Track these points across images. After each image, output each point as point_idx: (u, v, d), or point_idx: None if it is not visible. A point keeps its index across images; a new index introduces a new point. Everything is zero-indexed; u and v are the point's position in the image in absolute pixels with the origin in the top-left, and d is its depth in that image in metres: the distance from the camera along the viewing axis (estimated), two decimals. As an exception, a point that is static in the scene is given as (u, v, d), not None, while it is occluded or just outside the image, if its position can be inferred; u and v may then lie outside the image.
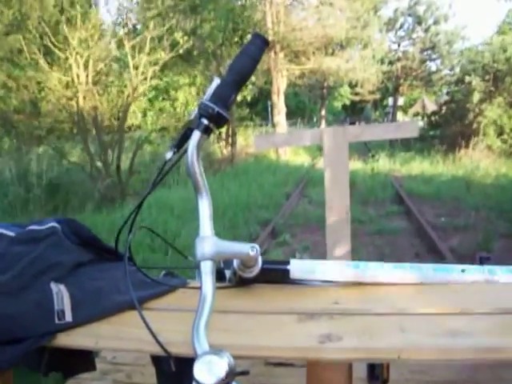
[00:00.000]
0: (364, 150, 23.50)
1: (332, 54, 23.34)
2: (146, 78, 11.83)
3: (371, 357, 0.83)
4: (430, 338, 0.81)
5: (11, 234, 1.07)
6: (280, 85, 20.27)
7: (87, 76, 10.87)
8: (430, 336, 0.82)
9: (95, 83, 11.48)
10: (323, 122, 36.38)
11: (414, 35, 30.91)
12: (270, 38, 18.30)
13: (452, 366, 1.94)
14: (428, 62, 31.30)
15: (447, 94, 25.53)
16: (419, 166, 15.36)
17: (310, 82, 27.16)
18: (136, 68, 11.53)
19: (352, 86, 49.09)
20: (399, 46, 31.40)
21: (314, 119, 42.39)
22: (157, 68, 12.74)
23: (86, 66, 10.90)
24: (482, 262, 1.24)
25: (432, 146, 20.36)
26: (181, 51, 14.63)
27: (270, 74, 19.83)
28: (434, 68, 31.55)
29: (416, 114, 29.23)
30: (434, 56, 30.46)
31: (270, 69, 19.56)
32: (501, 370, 1.89)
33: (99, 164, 10.76)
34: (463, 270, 1.07)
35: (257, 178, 12.20)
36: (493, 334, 0.82)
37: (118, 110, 12.09)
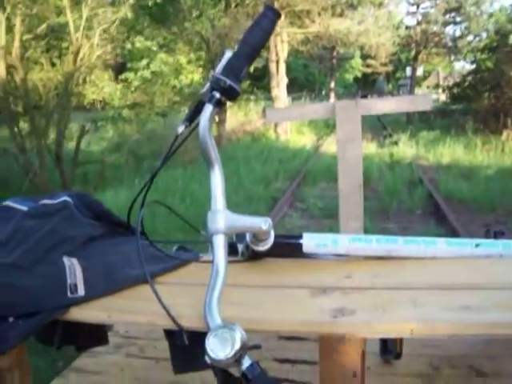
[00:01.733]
0: (378, 127, 21.25)
1: (341, 14, 19.88)
2: (92, 42, 9.33)
3: (384, 332, 0.83)
4: (443, 313, 0.80)
5: (24, 208, 1.07)
6: (280, 52, 17.55)
7: (20, 40, 8.51)
8: (443, 311, 0.81)
9: (27, 48, 9.36)
10: (332, 96, 33.62)
11: (436, -6, 25.76)
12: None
13: (465, 340, 1.94)
14: (452, 26, 27.06)
15: (472, 62, 22.32)
16: (450, 151, 11.82)
17: (316, 49, 24.00)
18: (78, 28, 8.95)
19: (364, 57, 48.65)
20: (418, 7, 26.81)
21: (324, 92, 40.07)
22: (109, 27, 10.34)
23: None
24: (497, 236, 1.23)
25: (458, 124, 17.28)
26: (149, 5, 12.68)
27: None
28: (458, 33, 26.80)
29: (435, 86, 27.08)
30: (458, 19, 25.94)
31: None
32: None
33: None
34: (477, 245, 1.06)
35: (241, 168, 9.48)
36: (506, 309, 0.81)
37: (60, 84, 9.35)
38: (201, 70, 21.28)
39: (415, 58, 26.18)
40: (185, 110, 17.60)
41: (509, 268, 1.02)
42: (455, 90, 21.09)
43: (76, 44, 8.84)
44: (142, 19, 14.51)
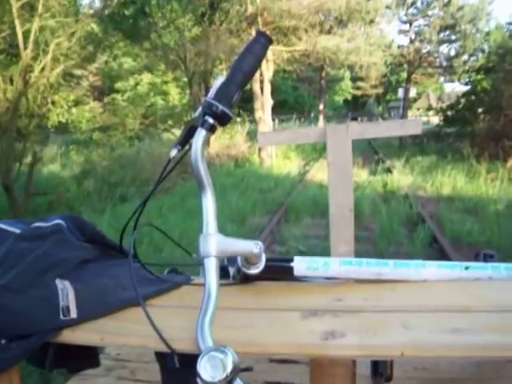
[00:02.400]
0: (369, 152, 20.40)
1: (329, 31, 18.65)
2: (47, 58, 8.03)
3: (374, 354, 0.83)
4: (433, 335, 0.81)
5: (16, 230, 1.08)
6: (265, 71, 16.29)
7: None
8: (433, 333, 0.82)
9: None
10: (321, 118, 32.93)
11: (430, 12, 24.93)
12: (249, 10, 15.45)
13: (455, 363, 1.95)
14: (447, 45, 25.51)
15: (467, 83, 21.71)
16: (450, 179, 10.63)
17: (303, 69, 22.52)
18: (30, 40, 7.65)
19: (354, 79, 49.04)
20: (411, 25, 25.54)
21: (312, 115, 38.98)
22: (67, 40, 8.89)
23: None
24: (486, 259, 1.24)
25: (453, 148, 16.60)
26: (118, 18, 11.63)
27: None
28: (453, 52, 25.45)
29: (428, 109, 26.08)
30: (453, 37, 24.48)
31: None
32: (503, 368, 1.89)
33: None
34: (467, 268, 1.08)
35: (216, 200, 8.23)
36: (496, 332, 0.82)
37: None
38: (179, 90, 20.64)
39: (408, 79, 25.33)
40: (160, 135, 16.89)
41: (498, 290, 1.03)
42: (449, 113, 20.44)
43: (25, 60, 7.67)
44: (111, 33, 13.32)
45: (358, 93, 48.56)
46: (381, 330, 0.84)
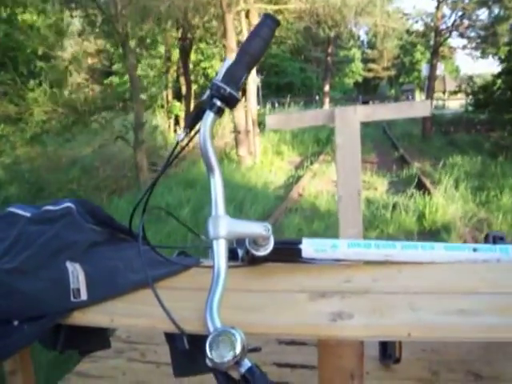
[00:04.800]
0: (385, 144, 16.26)
1: None
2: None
3: (381, 334, 0.84)
4: (441, 317, 0.81)
5: (27, 214, 1.09)
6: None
7: None
8: (441, 314, 0.82)
9: None
10: (327, 102, 27.80)
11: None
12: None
13: (463, 345, 1.95)
14: (484, 9, 18.00)
15: (502, 60, 15.84)
16: None
17: (300, 39, 18.50)
18: None
19: (365, 60, 48.49)
20: None
21: (318, 98, 34.29)
22: None
23: None
24: (495, 241, 1.24)
25: (487, 138, 13.85)
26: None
27: (223, 18, 11.30)
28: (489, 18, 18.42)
29: (456, 91, 21.39)
30: None
31: (222, 7, 11.05)
32: (511, 349, 1.90)
33: None
34: (475, 249, 1.08)
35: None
36: (503, 313, 0.82)
37: None
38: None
39: (435, 53, 18.60)
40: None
41: (506, 272, 1.03)
42: (481, 96, 16.64)
43: None
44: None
45: (370, 75, 47.92)
46: (388, 311, 0.84)
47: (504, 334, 0.79)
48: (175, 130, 16.63)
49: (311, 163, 11.82)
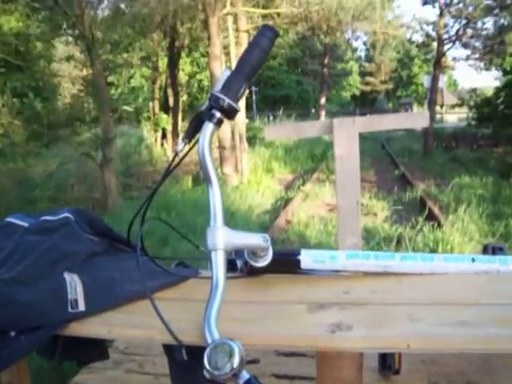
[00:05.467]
0: (384, 160, 15.63)
1: None
2: None
3: (381, 346, 0.84)
4: (440, 328, 0.81)
5: (25, 224, 1.09)
6: (232, 44, 11.48)
7: None
8: (440, 326, 0.82)
9: None
10: (323, 115, 26.76)
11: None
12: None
13: (462, 356, 1.94)
14: (491, 18, 16.68)
15: (506, 72, 15.58)
16: None
17: (292, 45, 16.85)
18: None
19: (362, 74, 48.64)
20: None
21: (314, 111, 33.85)
22: None
23: None
24: (494, 252, 1.24)
25: (494, 155, 13.26)
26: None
27: (207, 23, 10.44)
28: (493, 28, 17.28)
29: (458, 104, 20.62)
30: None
31: (205, 11, 10.16)
32: (511, 360, 1.89)
33: None
34: (473, 260, 1.08)
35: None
36: (502, 324, 0.82)
37: None
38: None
39: (437, 63, 17.23)
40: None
41: (505, 283, 1.03)
42: (485, 109, 16.15)
43: None
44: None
45: (367, 88, 48.06)
46: (387, 323, 0.84)
47: (504, 346, 0.79)
48: (162, 144, 15.92)
49: (303, 183, 10.84)
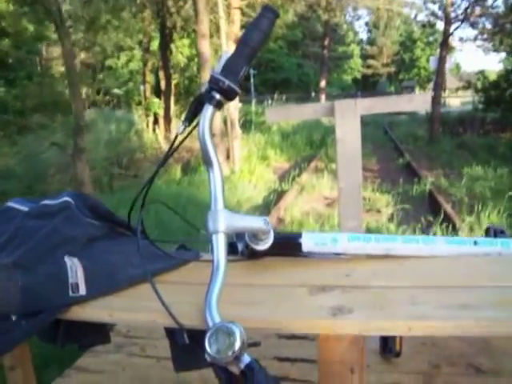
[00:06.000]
0: (387, 147, 14.92)
1: None
2: None
3: (382, 330, 0.84)
4: (441, 311, 0.81)
5: (25, 208, 1.08)
6: (222, 22, 10.26)
7: None
8: (441, 309, 0.82)
9: None
10: (323, 98, 25.76)
11: None
12: None
13: (464, 338, 1.95)
14: None
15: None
16: None
17: (290, 24, 15.84)
18: None
19: (364, 56, 48.34)
20: None
21: (313, 94, 32.23)
22: None
23: None
24: (496, 234, 1.23)
25: (504, 141, 12.25)
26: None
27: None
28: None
29: (466, 87, 18.96)
30: None
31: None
32: None
33: None
34: (475, 242, 1.07)
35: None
36: (503, 307, 0.82)
37: None
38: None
39: (444, 43, 15.81)
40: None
41: (507, 266, 1.03)
42: (492, 93, 15.40)
43: None
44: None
45: (369, 72, 47.73)
46: (388, 306, 0.84)
47: (505, 329, 0.79)
48: (154, 130, 14.91)
49: (300, 173, 10.02)
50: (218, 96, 0.89)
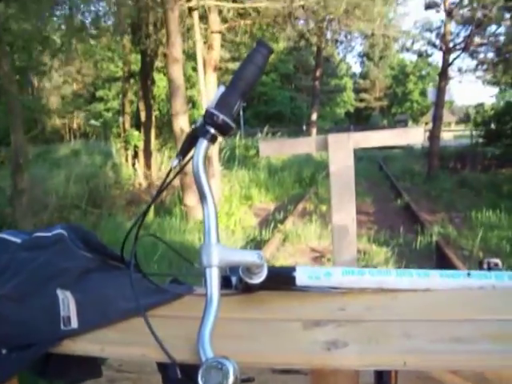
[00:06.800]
0: (383, 184, 14.16)
1: None
2: None
3: (377, 364, 0.83)
4: (436, 345, 0.81)
5: (17, 240, 1.08)
6: (198, 46, 9.11)
7: None
8: (436, 343, 0.81)
9: None
10: (314, 133, 24.68)
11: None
12: None
13: (459, 372, 1.93)
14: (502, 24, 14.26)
15: None
16: None
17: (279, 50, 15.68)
18: None
19: (357, 90, 48.83)
20: None
21: (305, 128, 30.80)
22: None
23: None
24: (490, 267, 1.23)
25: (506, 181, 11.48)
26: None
27: (165, 18, 8.20)
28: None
29: (465, 120, 18.74)
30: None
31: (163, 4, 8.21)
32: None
33: None
34: (469, 274, 1.07)
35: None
36: (497, 340, 0.81)
37: None
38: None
39: (443, 73, 15.12)
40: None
41: (500, 299, 1.02)
42: (492, 126, 15.02)
43: None
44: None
45: (361, 105, 48.23)
46: (383, 340, 0.83)
47: (499, 362, 0.78)
48: (134, 164, 13.75)
49: (285, 217, 8.93)
50: (212, 130, 0.90)
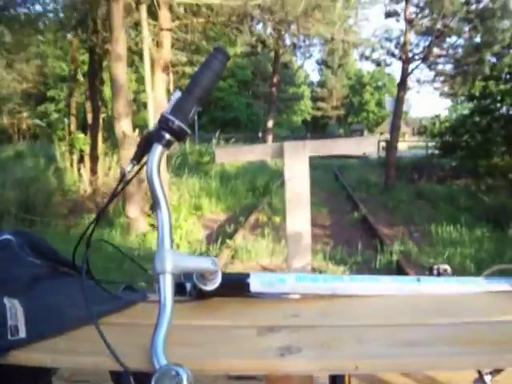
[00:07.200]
0: (339, 195, 14.06)
1: None
2: None
3: (329, 368, 0.84)
4: (387, 349, 0.82)
5: (-36, 248, 1.04)
6: (146, 43, 8.37)
7: None
8: (388, 346, 0.83)
9: None
10: (270, 140, 24.28)
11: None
12: None
13: (410, 374, 1.96)
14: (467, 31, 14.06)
15: (471, 98, 14.32)
16: None
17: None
18: None
19: (314, 99, 49.28)
20: (407, 2, 14.41)
21: (260, 135, 30.10)
22: None
23: None
24: (440, 273, 1.26)
25: (466, 190, 11.73)
26: None
27: (108, 11, 7.83)
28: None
29: (422, 131, 18.64)
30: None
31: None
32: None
33: None
34: (419, 280, 1.10)
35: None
36: (448, 344, 0.83)
37: None
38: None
39: (402, 83, 15.02)
40: None
41: (450, 304, 1.05)
42: (449, 138, 14.99)
43: None
44: None
45: (319, 114, 48.66)
46: (336, 345, 0.84)
47: (450, 365, 0.80)
48: (79, 169, 13.03)
49: (235, 230, 8.36)
50: (167, 136, 0.90)
